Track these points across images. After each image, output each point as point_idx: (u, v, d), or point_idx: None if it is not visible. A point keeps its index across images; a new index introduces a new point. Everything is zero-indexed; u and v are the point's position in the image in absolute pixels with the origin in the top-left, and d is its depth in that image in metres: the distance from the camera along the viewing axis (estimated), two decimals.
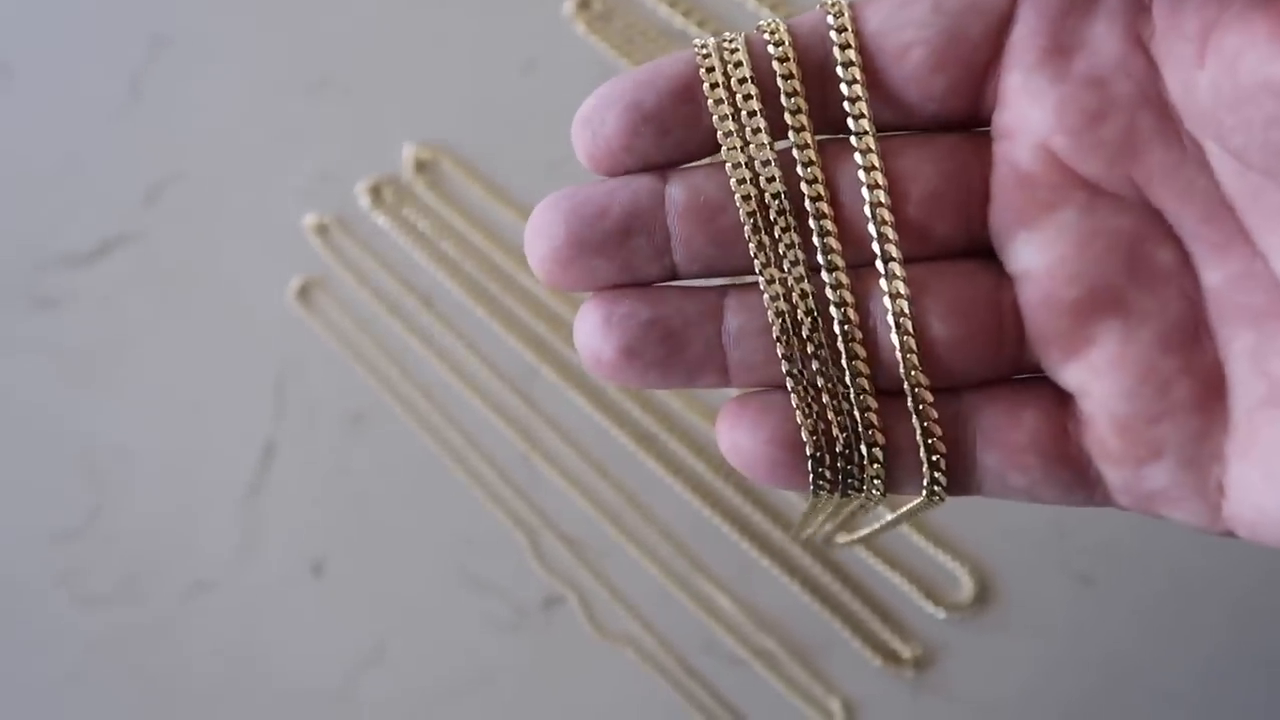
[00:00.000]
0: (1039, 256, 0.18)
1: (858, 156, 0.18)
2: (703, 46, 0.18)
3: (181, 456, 0.42)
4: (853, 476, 0.19)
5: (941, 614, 0.38)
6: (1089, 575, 0.38)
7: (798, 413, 0.18)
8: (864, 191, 0.18)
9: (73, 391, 0.42)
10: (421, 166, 0.43)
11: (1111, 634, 0.37)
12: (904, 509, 0.20)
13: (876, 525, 0.22)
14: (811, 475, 0.19)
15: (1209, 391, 0.17)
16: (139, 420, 0.42)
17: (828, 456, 0.18)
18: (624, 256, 0.18)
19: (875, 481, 0.19)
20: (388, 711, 0.39)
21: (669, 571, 0.40)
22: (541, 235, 0.18)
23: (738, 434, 0.19)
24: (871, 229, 0.18)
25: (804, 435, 0.18)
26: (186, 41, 0.45)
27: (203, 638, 0.40)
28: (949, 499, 0.19)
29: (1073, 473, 0.18)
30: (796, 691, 0.38)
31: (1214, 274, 0.17)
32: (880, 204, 0.18)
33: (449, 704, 0.39)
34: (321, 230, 0.43)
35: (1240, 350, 0.17)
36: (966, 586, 0.38)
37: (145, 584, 0.41)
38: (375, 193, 0.43)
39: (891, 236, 0.18)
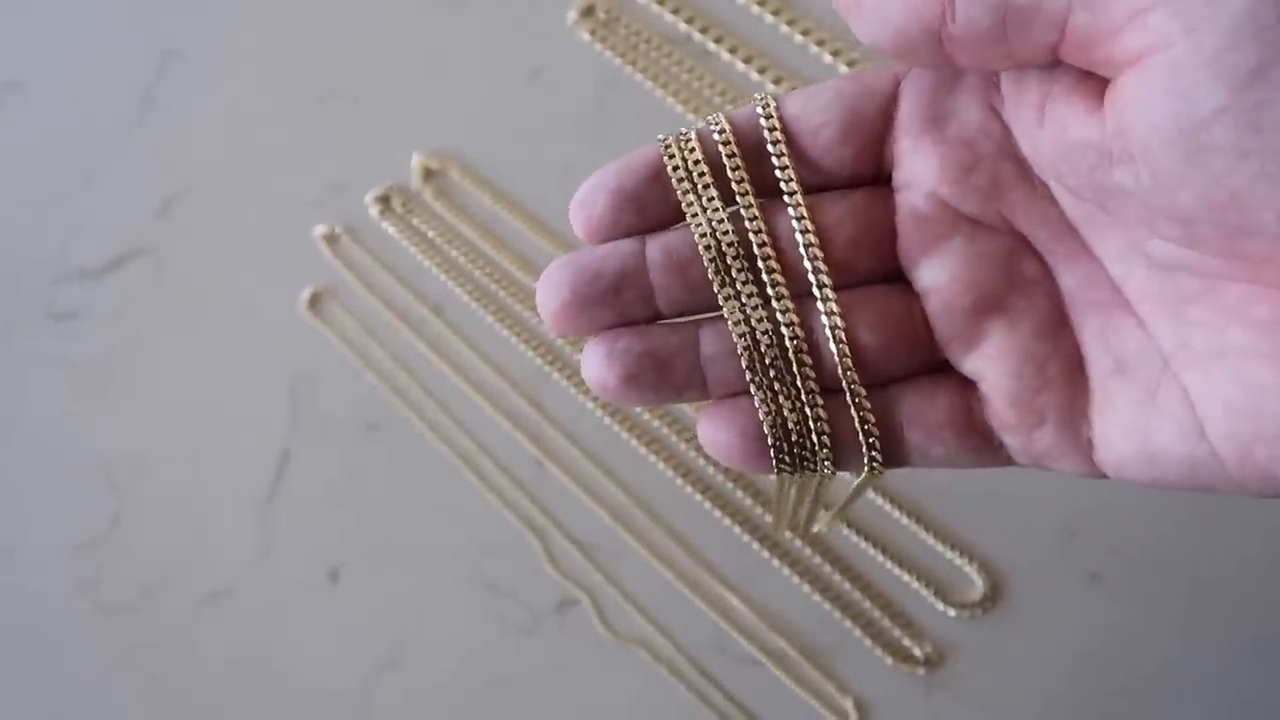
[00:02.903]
0: (938, 276, 0.22)
1: (791, 212, 0.23)
2: (664, 139, 0.23)
3: (198, 466, 0.42)
4: (807, 459, 0.23)
5: (953, 613, 0.38)
6: (1099, 573, 0.38)
7: (760, 412, 0.23)
8: (799, 238, 0.22)
9: (90, 403, 0.43)
10: (429, 175, 0.44)
11: (1121, 631, 0.37)
12: (855, 484, 0.24)
13: (844, 501, 0.27)
14: (774, 460, 0.23)
15: (1073, 368, 0.22)
16: (155, 431, 0.42)
17: (785, 445, 0.23)
18: (618, 306, 0.22)
19: (825, 462, 0.23)
20: (404, 715, 0.39)
21: (680, 573, 0.40)
22: (551, 293, 0.22)
23: (714, 431, 0.23)
24: (808, 266, 0.22)
25: (766, 430, 0.23)
26: (197, 57, 0.46)
27: (221, 644, 0.40)
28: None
29: (980, 441, 0.23)
30: (809, 691, 0.38)
31: (1068, 278, 0.22)
32: (813, 247, 0.22)
33: (465, 706, 0.39)
34: (331, 240, 0.44)
35: (1092, 334, 0.22)
36: (978, 585, 0.38)
37: (164, 592, 0.41)
38: (384, 202, 0.44)
39: (824, 272, 0.22)
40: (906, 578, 0.39)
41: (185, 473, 0.42)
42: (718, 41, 0.43)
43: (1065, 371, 0.22)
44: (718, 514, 0.40)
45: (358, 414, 0.42)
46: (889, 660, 0.38)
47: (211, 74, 0.45)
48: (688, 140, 0.23)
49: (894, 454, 0.23)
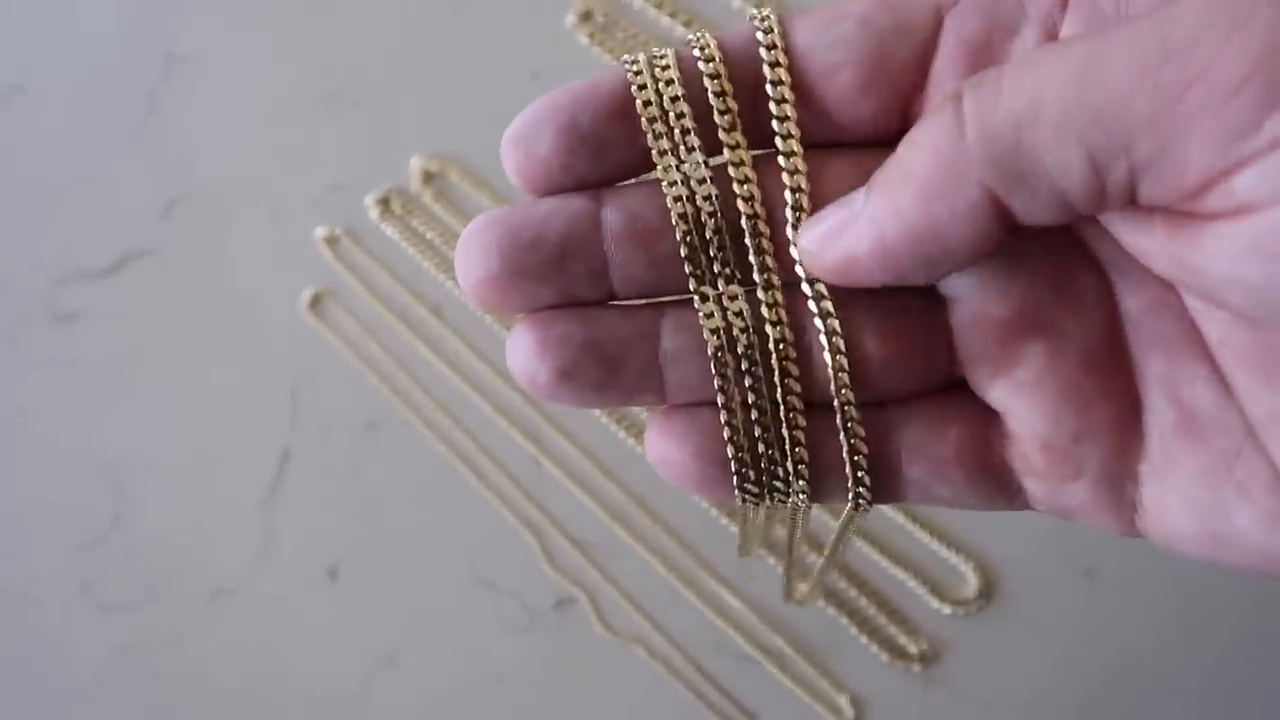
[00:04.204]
0: (969, 280, 0.18)
1: (786, 177, 0.18)
2: (634, 63, 0.18)
3: (199, 466, 0.42)
4: (777, 489, 0.19)
5: (947, 610, 0.38)
6: (1092, 569, 0.38)
7: (725, 429, 0.18)
8: (789, 214, 0.18)
9: (92, 404, 0.43)
10: (429, 178, 0.44)
11: (1115, 627, 0.37)
12: (840, 528, 0.20)
13: (826, 559, 0.22)
14: (737, 490, 0.19)
15: (1125, 413, 0.18)
16: (157, 431, 0.43)
17: (752, 472, 0.18)
18: (560, 283, 0.18)
19: (800, 495, 0.19)
20: (403, 713, 0.40)
21: (678, 571, 0.40)
22: (475, 259, 0.17)
23: (665, 447, 0.19)
24: None
25: (729, 451, 0.18)
26: (199, 60, 0.46)
27: (222, 642, 0.41)
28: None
29: (995, 484, 0.19)
30: (806, 689, 0.38)
31: (1132, 301, 0.18)
32: None
33: (463, 705, 0.40)
34: (332, 242, 0.44)
35: (1154, 375, 0.18)
36: (971, 582, 0.38)
37: (166, 590, 0.41)
38: (384, 204, 0.44)
39: None
40: (901, 575, 0.39)
41: (187, 472, 0.42)
42: None
43: (1115, 417, 0.18)
44: (714, 512, 0.40)
45: (357, 414, 0.42)
46: (884, 657, 0.38)
47: (214, 77, 0.46)
48: (664, 66, 0.18)
49: (887, 489, 0.19)
